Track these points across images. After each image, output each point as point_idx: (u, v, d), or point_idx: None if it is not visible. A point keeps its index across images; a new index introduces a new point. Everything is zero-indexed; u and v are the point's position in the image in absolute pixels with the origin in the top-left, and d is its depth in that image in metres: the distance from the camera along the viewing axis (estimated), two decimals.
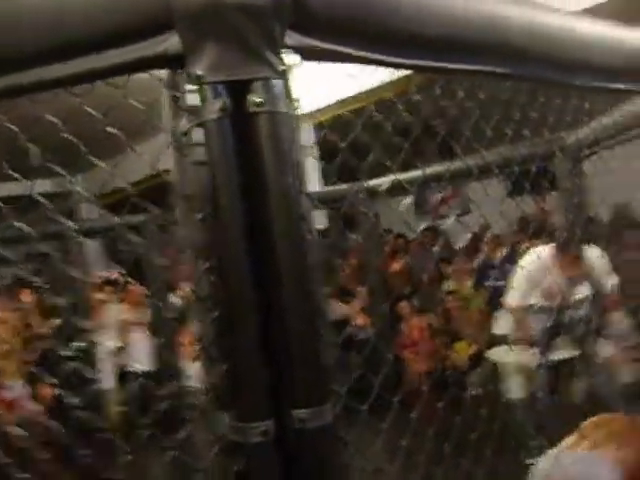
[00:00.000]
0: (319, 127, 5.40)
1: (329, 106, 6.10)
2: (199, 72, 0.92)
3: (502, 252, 6.31)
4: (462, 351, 6.25)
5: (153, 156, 1.16)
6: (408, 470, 1.36)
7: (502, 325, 5.86)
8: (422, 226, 8.05)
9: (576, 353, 4.68)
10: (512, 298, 4.30)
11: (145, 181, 2.96)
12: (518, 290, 4.21)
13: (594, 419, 2.76)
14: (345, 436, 1.03)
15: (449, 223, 8.55)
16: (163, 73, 1.00)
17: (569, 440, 2.31)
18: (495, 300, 5.96)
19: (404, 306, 6.41)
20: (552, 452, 2.22)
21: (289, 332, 0.97)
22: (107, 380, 5.80)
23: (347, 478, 0.99)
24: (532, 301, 4.21)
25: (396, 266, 7.08)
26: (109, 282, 6.25)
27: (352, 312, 6.02)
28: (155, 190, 1.35)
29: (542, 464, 2.41)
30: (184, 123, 0.97)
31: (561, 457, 1.85)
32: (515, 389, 5.38)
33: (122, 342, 5.96)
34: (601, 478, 1.76)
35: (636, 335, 4.52)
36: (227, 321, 0.98)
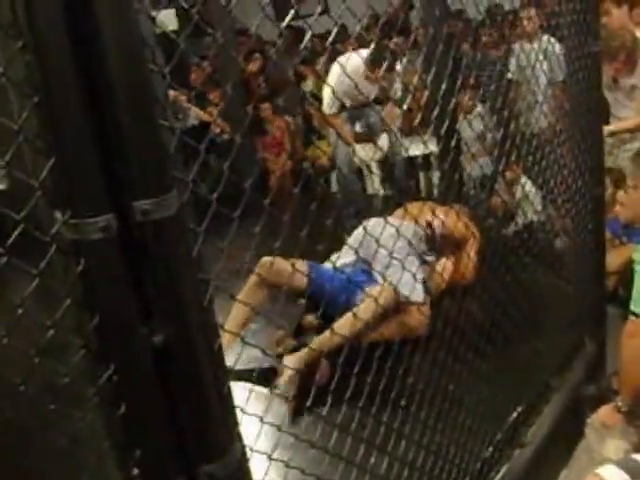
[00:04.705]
0: None
1: None
2: None
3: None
4: (323, 150, 6.26)
5: None
6: None
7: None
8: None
9: (430, 150, 4.81)
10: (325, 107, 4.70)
11: None
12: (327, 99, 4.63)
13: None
14: (196, 227, 0.96)
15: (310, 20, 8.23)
16: None
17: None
18: None
19: (266, 107, 6.23)
20: None
21: (122, 113, 0.85)
22: None
23: (198, 270, 0.93)
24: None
25: (253, 67, 6.84)
26: None
27: (209, 118, 5.80)
28: None
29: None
30: None
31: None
32: (375, 184, 5.54)
33: None
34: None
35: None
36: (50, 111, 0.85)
